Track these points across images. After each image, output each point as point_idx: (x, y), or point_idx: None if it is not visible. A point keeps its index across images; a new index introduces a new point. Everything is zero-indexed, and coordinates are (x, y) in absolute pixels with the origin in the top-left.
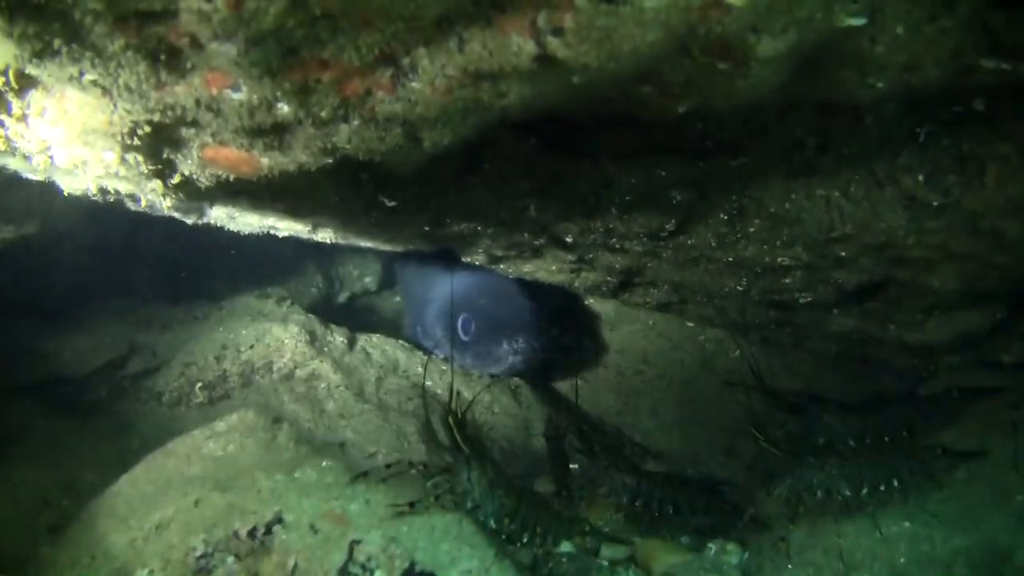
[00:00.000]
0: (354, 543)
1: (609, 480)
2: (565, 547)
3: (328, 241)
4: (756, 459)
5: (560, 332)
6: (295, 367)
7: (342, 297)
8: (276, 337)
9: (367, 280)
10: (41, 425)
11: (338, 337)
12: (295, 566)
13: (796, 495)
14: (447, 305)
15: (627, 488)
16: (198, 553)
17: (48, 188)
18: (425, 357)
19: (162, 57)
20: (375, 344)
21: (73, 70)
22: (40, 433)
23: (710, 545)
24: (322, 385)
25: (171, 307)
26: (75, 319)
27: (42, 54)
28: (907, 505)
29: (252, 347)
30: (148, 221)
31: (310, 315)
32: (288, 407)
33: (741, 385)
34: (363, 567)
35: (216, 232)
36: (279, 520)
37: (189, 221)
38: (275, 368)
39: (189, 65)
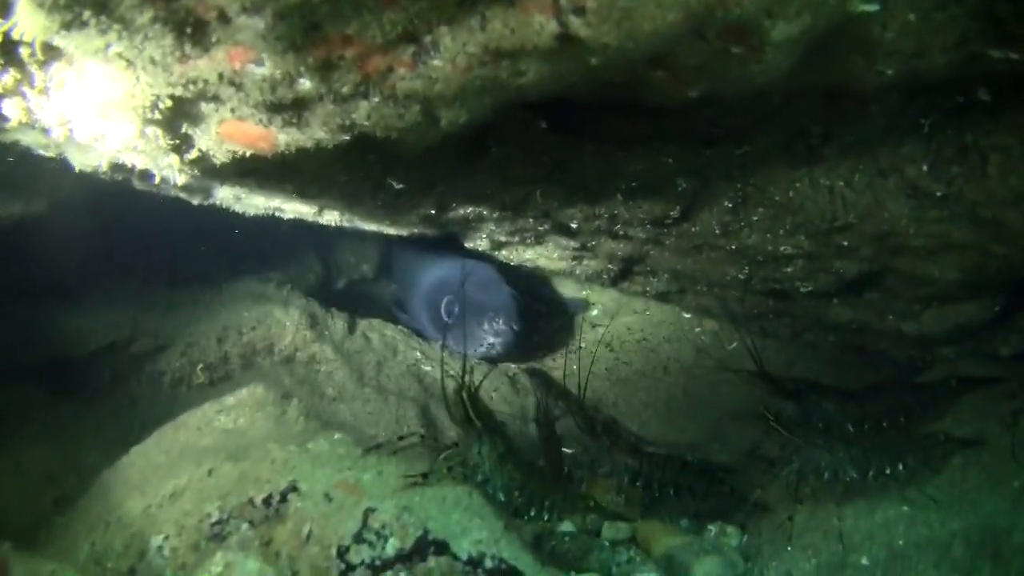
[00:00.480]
0: (368, 511)
1: (610, 460)
2: (566, 526)
3: (332, 224)
4: (755, 446)
5: (537, 316)
6: (296, 350)
7: (339, 284)
8: (277, 320)
9: (364, 268)
10: (44, 405)
11: (338, 321)
12: (310, 532)
13: (803, 477)
14: (432, 289)
15: (628, 469)
16: (213, 520)
17: (56, 168)
18: (422, 342)
19: (188, 30)
20: (375, 328)
21: (100, 42)
22: (43, 413)
23: (710, 527)
24: (322, 368)
25: (171, 290)
26: (77, 299)
27: (71, 25)
28: (905, 489)
29: (254, 329)
30: (150, 205)
31: (311, 299)
32: (289, 389)
33: (742, 371)
34: (377, 534)
35: (216, 218)
36: (294, 488)
37: (195, 202)
38: (276, 351)
39: (214, 39)
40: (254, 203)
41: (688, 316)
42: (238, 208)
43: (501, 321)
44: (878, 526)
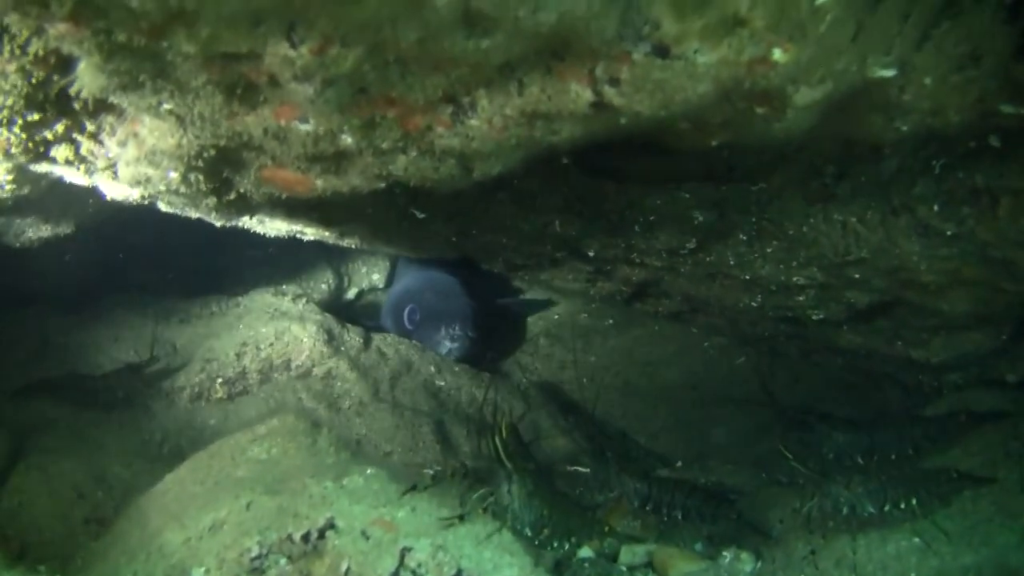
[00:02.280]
0: (405, 550)
1: (620, 485)
2: (585, 552)
3: (353, 246)
4: (764, 467)
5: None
6: (312, 365)
7: (351, 293)
8: (295, 336)
9: (375, 277)
10: (66, 418)
11: (354, 337)
12: (347, 570)
13: (824, 512)
14: (397, 298)
15: (638, 493)
16: (253, 554)
17: (84, 191)
18: (435, 356)
19: (239, 91)
20: (390, 343)
21: (153, 100)
22: (66, 426)
23: (724, 553)
24: (338, 383)
25: (188, 302)
26: (97, 312)
27: (127, 87)
28: (916, 521)
29: (271, 345)
30: (166, 218)
31: (327, 314)
32: (305, 405)
33: (753, 403)
34: (413, 572)
35: (231, 230)
36: (331, 525)
37: (218, 224)
38: (293, 366)
39: (262, 98)
40: (277, 226)
41: (696, 331)
42: (260, 230)
43: (457, 328)
44: (891, 557)
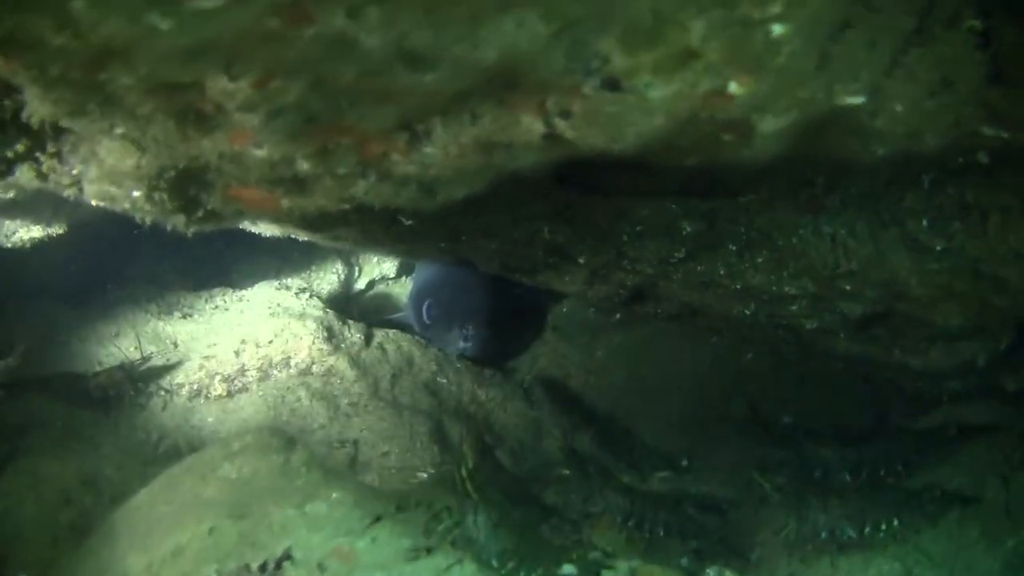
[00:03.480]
0: None
1: (602, 500)
2: (567, 569)
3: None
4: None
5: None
6: (312, 363)
7: (361, 283)
8: (294, 333)
9: (385, 266)
10: (61, 416)
11: (355, 333)
12: None
13: (802, 537)
14: (417, 291)
15: (620, 508)
16: None
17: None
18: (438, 354)
19: (190, 117)
20: (391, 340)
21: (104, 124)
22: (60, 424)
23: (708, 571)
24: (337, 381)
25: (193, 295)
26: (97, 307)
27: (75, 114)
28: (898, 544)
29: (271, 342)
30: None
31: (328, 310)
32: (304, 404)
33: (739, 421)
34: None
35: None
36: (288, 556)
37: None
38: (292, 363)
39: (214, 125)
40: (269, 229)
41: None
42: (254, 230)
43: (472, 327)
44: None
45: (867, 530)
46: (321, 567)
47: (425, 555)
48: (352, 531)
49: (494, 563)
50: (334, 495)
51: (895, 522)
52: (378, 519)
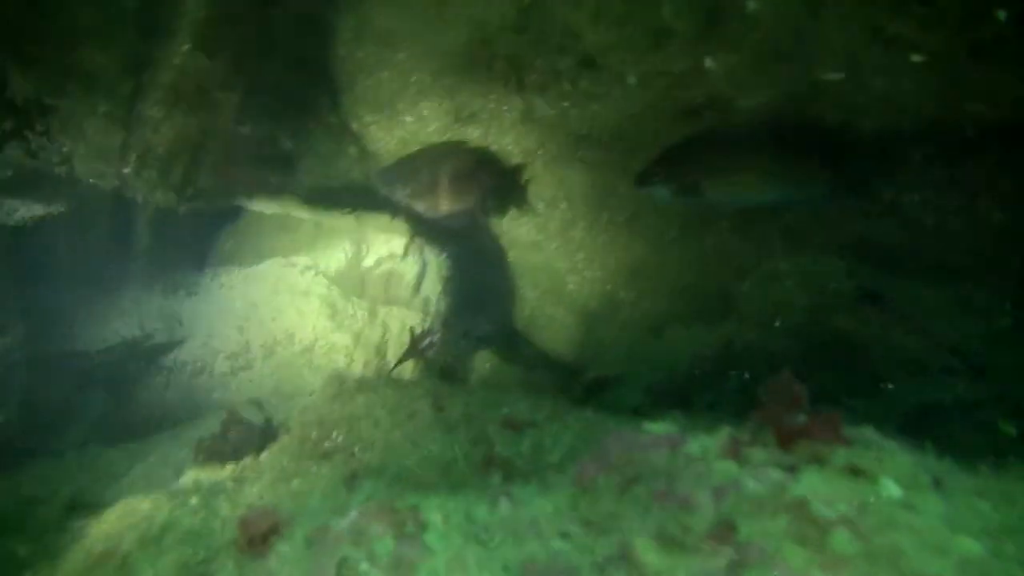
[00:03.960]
0: None
1: None
2: None
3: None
4: None
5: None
6: (315, 339)
7: (369, 260)
8: (298, 310)
9: (393, 244)
10: (70, 393)
11: (358, 311)
12: None
13: None
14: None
15: None
16: None
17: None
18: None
19: (172, 98)
20: (395, 316)
21: (87, 103)
22: (68, 401)
23: None
24: (341, 358)
25: (199, 273)
26: (104, 286)
27: (57, 93)
28: None
29: (274, 320)
30: None
31: (332, 287)
32: (307, 379)
33: None
34: None
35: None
36: None
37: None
38: (296, 340)
39: (198, 102)
40: (269, 208)
41: None
42: (253, 208)
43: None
44: None
45: None
46: None
47: None
48: None
49: None
50: None
51: None
52: None
